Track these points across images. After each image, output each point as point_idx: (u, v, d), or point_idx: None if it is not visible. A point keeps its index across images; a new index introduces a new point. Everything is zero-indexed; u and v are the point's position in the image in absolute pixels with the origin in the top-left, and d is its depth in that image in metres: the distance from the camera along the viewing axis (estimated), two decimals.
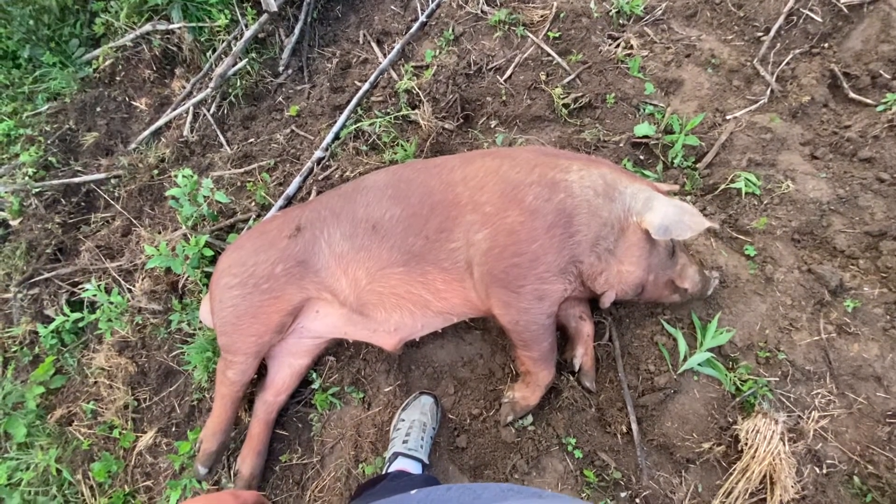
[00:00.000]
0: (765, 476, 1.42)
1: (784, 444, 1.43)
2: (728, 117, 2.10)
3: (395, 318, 1.62)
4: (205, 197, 1.99)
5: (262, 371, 1.80)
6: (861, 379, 1.56)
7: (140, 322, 2.05)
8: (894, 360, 1.57)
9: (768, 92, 2.14)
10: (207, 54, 2.62)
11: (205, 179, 1.99)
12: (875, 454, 1.48)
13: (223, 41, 2.58)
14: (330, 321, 1.66)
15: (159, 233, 2.19)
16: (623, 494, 1.52)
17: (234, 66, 2.50)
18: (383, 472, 1.57)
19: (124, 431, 1.94)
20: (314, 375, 1.80)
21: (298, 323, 1.68)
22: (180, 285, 2.04)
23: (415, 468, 1.53)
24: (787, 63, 2.21)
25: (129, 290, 2.13)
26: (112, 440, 1.95)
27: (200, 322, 1.90)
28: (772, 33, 2.27)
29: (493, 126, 2.24)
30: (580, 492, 1.53)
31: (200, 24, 2.57)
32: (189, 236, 1.98)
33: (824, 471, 1.48)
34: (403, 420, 1.65)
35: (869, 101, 2.07)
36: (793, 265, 1.74)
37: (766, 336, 1.64)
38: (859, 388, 1.55)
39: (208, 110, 2.55)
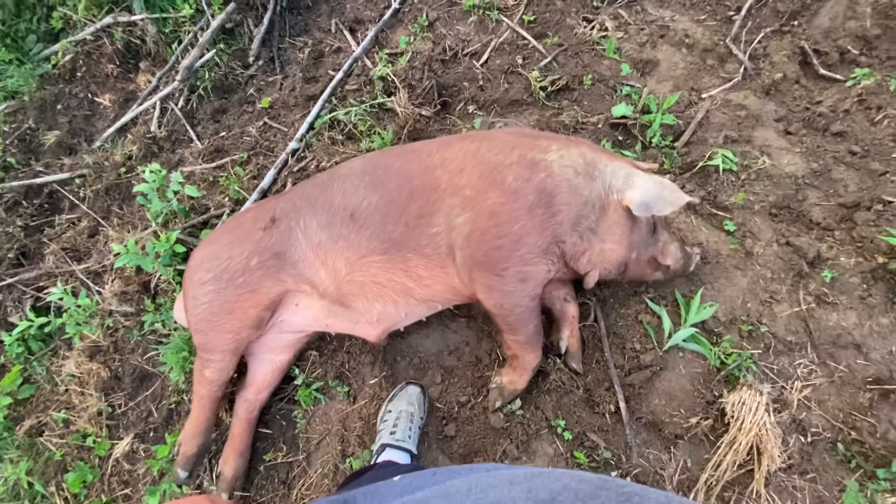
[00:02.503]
0: (752, 447, 1.43)
1: (769, 414, 1.44)
2: (703, 96, 2.11)
3: (377, 308, 1.58)
4: (174, 192, 1.92)
5: (241, 369, 1.74)
6: (841, 347, 1.58)
7: (111, 325, 1.97)
8: (872, 328, 1.60)
9: (742, 70, 2.16)
10: (173, 46, 2.53)
11: (174, 173, 1.92)
12: (857, 420, 1.50)
13: (189, 32, 2.49)
14: (310, 314, 1.62)
15: (129, 232, 2.10)
16: (614, 474, 1.51)
17: (201, 57, 2.41)
18: (372, 463, 1.53)
19: (99, 439, 1.86)
20: (296, 371, 1.75)
21: (277, 317, 1.63)
22: (152, 285, 1.96)
23: (403, 459, 1.50)
24: (759, 41, 2.24)
25: (99, 293, 2.05)
26: (86, 449, 1.87)
27: (175, 322, 1.82)
28: (743, 12, 2.30)
29: (470, 111, 2.21)
30: None
31: (164, 15, 2.48)
32: (159, 233, 1.90)
33: (809, 439, 1.49)
34: (390, 411, 1.61)
35: (838, 76, 2.10)
36: (771, 239, 1.76)
37: (748, 309, 1.66)
38: (840, 357, 1.57)
39: (176, 104, 2.46)
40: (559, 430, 1.57)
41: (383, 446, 1.52)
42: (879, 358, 1.56)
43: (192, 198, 2.07)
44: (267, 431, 1.74)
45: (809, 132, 1.99)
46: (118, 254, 1.83)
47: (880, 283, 1.64)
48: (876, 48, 2.16)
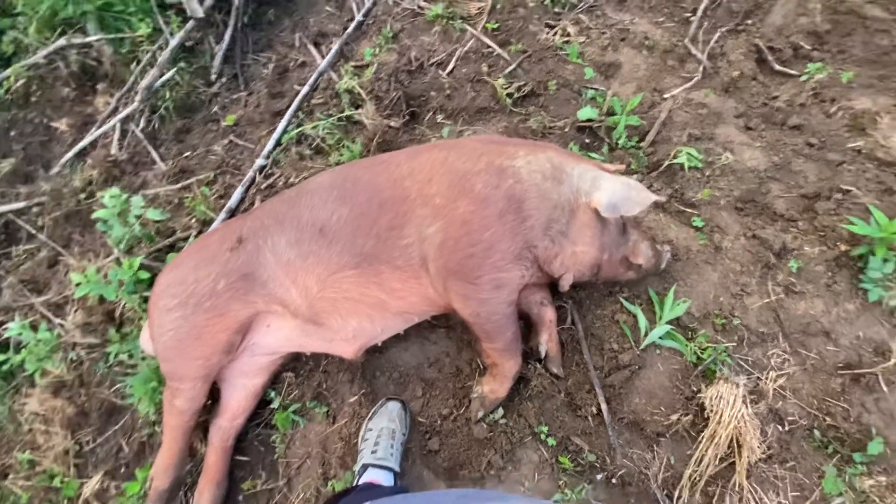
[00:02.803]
0: (732, 440, 1.44)
1: (746, 406, 1.45)
2: (666, 96, 2.16)
3: (352, 325, 1.55)
4: (136, 216, 1.85)
5: (214, 395, 1.68)
6: (811, 335, 1.61)
7: (75, 358, 1.89)
8: (839, 314, 1.64)
9: (701, 69, 2.21)
10: (131, 67, 2.47)
11: (134, 197, 1.85)
12: (831, 406, 1.53)
13: (147, 52, 2.44)
14: (283, 335, 1.57)
15: (90, 261, 2.02)
16: (599, 477, 1.50)
17: (161, 77, 2.36)
18: (353, 485, 1.49)
19: (67, 479, 1.77)
20: (272, 394, 1.70)
21: (249, 340, 1.58)
22: (117, 314, 1.88)
23: (386, 478, 1.46)
24: (716, 41, 2.30)
25: (61, 325, 1.96)
26: (54, 490, 1.78)
27: (142, 351, 1.76)
28: (699, 13, 2.36)
29: (439, 121, 2.20)
30: (557, 479, 1.51)
31: (120, 35, 2.42)
32: (122, 260, 1.83)
33: (786, 428, 1.51)
34: (371, 429, 1.58)
35: (793, 71, 2.17)
36: (738, 232, 1.79)
37: (721, 303, 1.68)
38: (810, 344, 1.61)
39: (137, 126, 2.39)
40: (543, 436, 1.55)
41: (365, 466, 1.48)
42: (848, 343, 1.60)
43: (157, 221, 2.01)
44: (244, 459, 1.68)
45: (768, 127, 2.05)
46: (79, 283, 1.76)
47: (844, 271, 1.69)
48: (827, 42, 2.24)
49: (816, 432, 1.50)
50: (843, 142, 1.94)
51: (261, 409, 1.73)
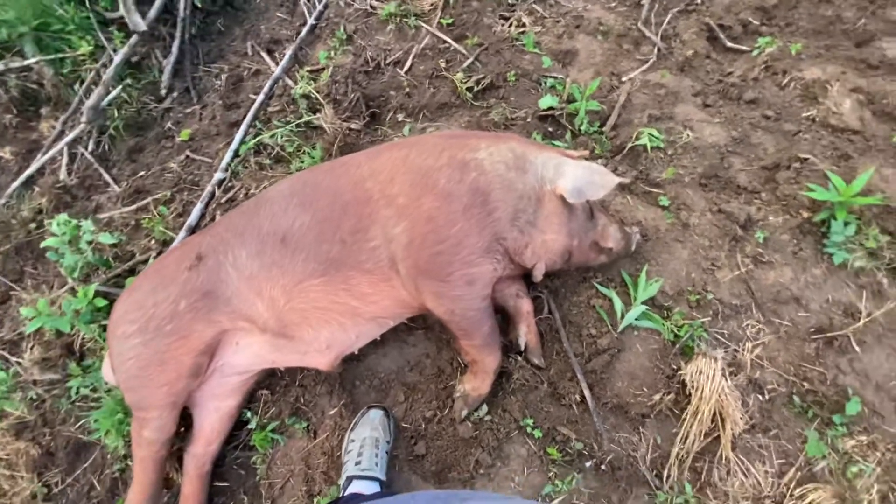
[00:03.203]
0: (715, 414, 1.44)
1: (726, 379, 1.46)
2: (623, 79, 2.17)
3: (324, 335, 1.50)
4: (88, 242, 1.76)
5: (187, 422, 1.60)
6: (782, 303, 1.63)
7: (35, 397, 1.78)
8: (807, 280, 1.66)
9: (655, 51, 2.24)
10: (75, 87, 2.36)
11: (84, 222, 1.76)
12: (808, 371, 1.55)
13: (90, 70, 2.33)
14: (252, 351, 1.51)
15: (45, 293, 1.92)
16: (588, 465, 1.49)
17: (107, 95, 2.25)
18: (339, 497, 1.44)
19: None
20: (248, 414, 1.64)
21: (218, 360, 1.51)
22: (77, 346, 1.79)
23: (372, 489, 1.41)
24: (668, 22, 2.33)
25: (18, 363, 1.85)
26: None
27: (106, 383, 1.67)
28: None
29: (400, 120, 2.17)
30: (546, 472, 1.49)
31: (61, 56, 2.31)
32: (77, 289, 1.74)
33: (766, 397, 1.53)
34: (353, 440, 1.53)
35: (744, 47, 2.22)
36: (704, 208, 1.81)
37: (693, 279, 1.69)
38: (782, 312, 1.63)
39: (86, 148, 2.29)
40: (529, 429, 1.53)
41: (349, 479, 1.43)
42: (818, 308, 1.63)
43: (112, 246, 1.92)
44: (224, 484, 1.61)
45: (725, 102, 2.08)
46: (33, 317, 1.66)
47: (808, 237, 1.72)
48: (775, 17, 2.30)
49: (796, 398, 1.52)
50: (797, 112, 1.98)
51: (238, 430, 1.66)
